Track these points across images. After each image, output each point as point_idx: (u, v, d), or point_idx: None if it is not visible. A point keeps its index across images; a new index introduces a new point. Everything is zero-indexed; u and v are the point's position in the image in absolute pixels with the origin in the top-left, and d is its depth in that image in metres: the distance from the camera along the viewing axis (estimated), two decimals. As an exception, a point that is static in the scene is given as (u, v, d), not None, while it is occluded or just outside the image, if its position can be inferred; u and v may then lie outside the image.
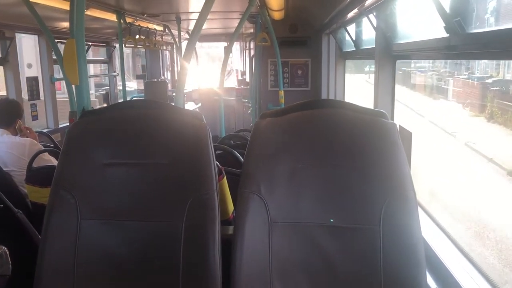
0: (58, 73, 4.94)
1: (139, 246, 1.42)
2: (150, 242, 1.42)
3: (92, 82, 9.70)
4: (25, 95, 4.59)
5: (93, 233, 1.43)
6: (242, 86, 8.70)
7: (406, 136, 2.13)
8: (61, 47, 4.42)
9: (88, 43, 5.99)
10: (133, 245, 1.42)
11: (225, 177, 1.73)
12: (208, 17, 2.29)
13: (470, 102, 3.57)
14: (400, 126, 2.38)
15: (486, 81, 3.20)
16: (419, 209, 1.44)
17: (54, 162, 2.87)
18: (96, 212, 1.44)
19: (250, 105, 6.61)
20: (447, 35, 1.81)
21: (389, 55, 2.74)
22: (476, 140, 3.33)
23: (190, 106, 7.94)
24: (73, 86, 2.20)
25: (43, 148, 2.89)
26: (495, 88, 3.07)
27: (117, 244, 1.42)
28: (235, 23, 4.18)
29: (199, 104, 8.15)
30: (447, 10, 1.76)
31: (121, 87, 6.49)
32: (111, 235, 1.43)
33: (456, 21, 1.70)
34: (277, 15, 5.02)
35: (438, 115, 4.37)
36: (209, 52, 11.24)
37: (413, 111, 4.80)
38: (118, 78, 6.89)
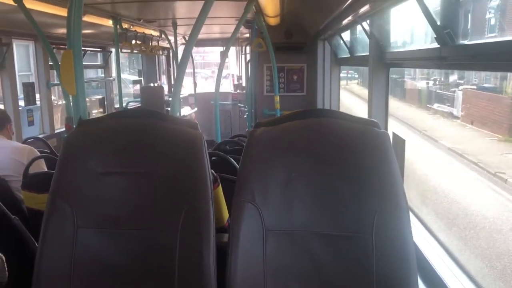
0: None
1: (135, 255, 1.44)
2: (146, 251, 1.44)
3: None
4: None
5: (89, 241, 1.44)
6: (238, 91, 8.74)
7: (400, 143, 2.17)
8: (57, 52, 4.45)
9: (84, 48, 6.00)
10: (129, 253, 1.44)
11: (220, 185, 1.75)
12: (205, 22, 2.30)
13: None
14: (394, 133, 2.41)
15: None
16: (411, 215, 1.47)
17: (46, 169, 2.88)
18: (93, 220, 1.46)
19: (246, 109, 6.63)
20: (438, 46, 1.85)
21: (382, 62, 2.77)
22: None
23: (186, 110, 7.96)
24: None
25: (40, 155, 2.90)
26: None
27: (113, 253, 1.44)
28: (232, 28, 4.20)
29: (195, 109, 8.17)
30: (438, 22, 1.80)
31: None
32: (107, 244, 1.44)
33: (446, 32, 1.73)
34: (273, 21, 5.05)
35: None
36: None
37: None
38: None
